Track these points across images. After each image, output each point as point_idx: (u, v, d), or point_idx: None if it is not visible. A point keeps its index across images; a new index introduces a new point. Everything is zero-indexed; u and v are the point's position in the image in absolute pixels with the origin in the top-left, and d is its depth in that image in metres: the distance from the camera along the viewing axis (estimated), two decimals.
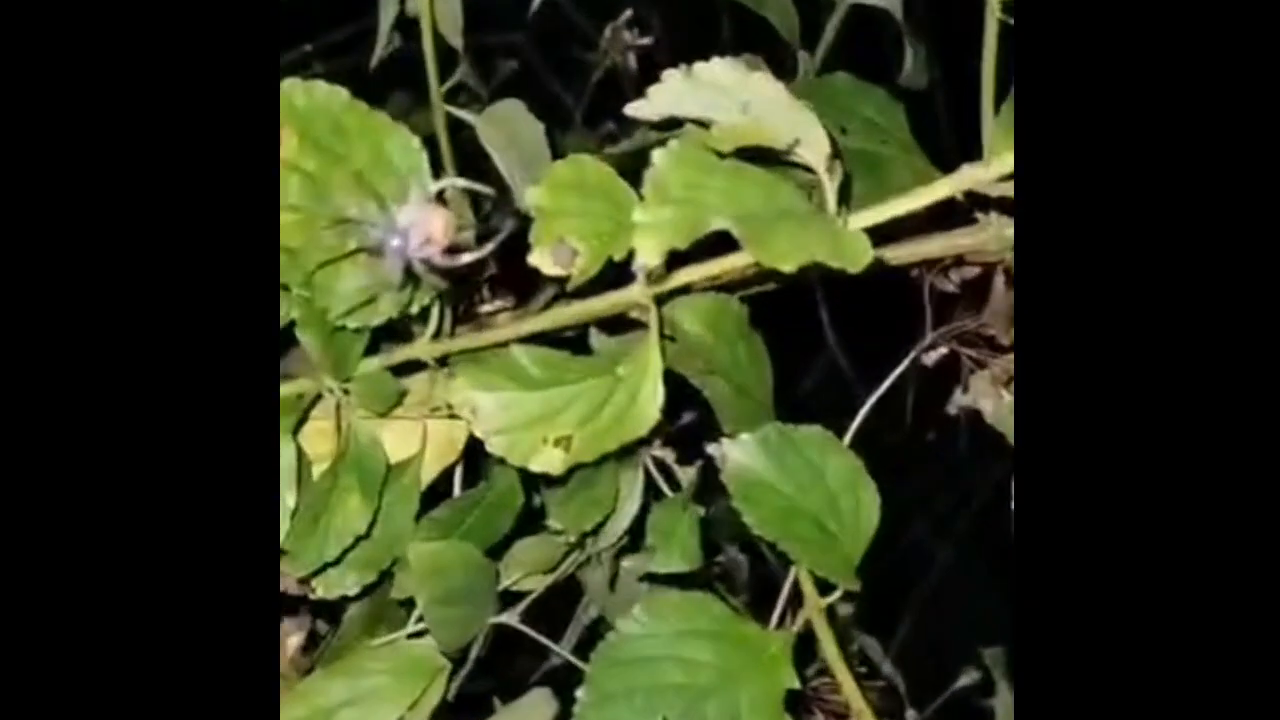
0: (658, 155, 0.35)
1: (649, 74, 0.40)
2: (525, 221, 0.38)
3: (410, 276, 0.33)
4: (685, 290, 0.42)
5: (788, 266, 0.33)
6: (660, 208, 0.34)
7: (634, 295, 0.40)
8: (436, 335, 0.43)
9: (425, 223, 0.33)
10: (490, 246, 0.33)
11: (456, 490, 0.50)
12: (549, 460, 0.40)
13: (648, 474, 0.48)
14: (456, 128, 0.52)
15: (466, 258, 0.33)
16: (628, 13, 0.74)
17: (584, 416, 0.39)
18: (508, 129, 0.49)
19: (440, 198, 0.35)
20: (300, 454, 0.41)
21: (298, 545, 0.41)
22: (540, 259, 0.38)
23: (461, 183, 0.35)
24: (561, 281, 0.39)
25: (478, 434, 0.40)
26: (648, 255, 0.33)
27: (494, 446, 0.39)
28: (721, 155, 0.36)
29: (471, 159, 0.53)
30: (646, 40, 0.73)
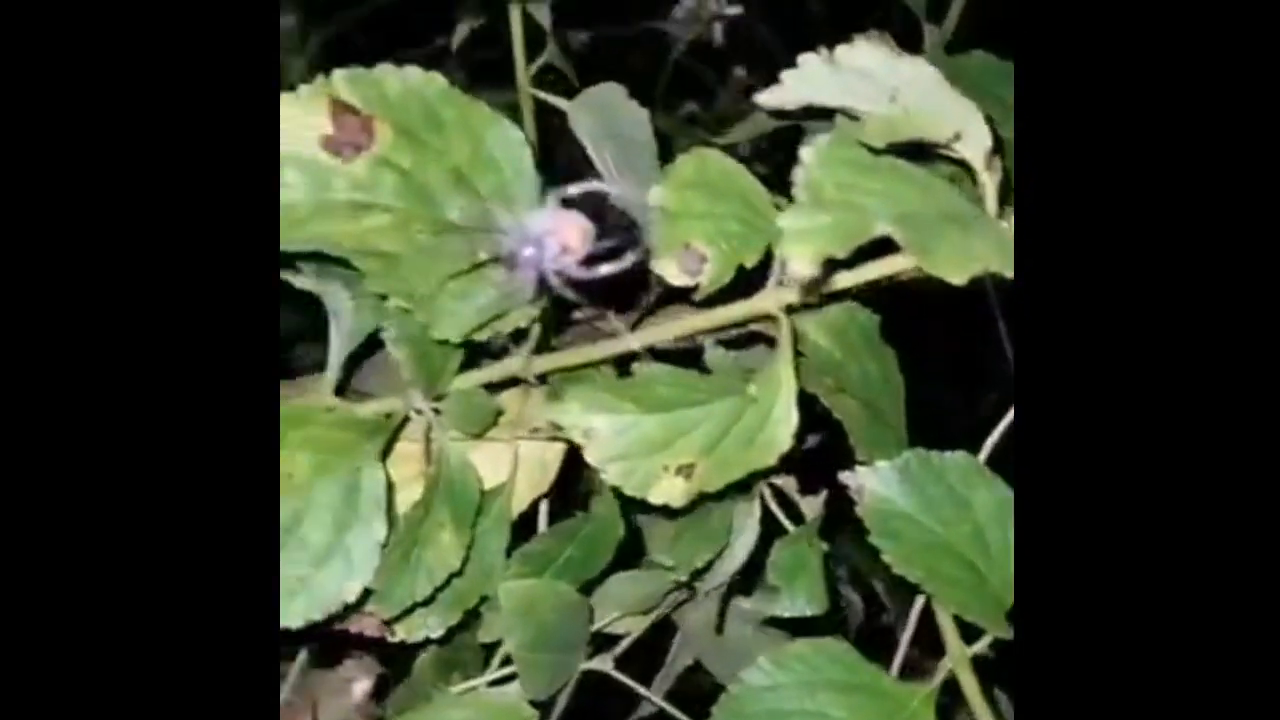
0: (807, 153, 0.36)
1: (739, 49, 0.40)
2: (632, 224, 0.39)
3: (544, 289, 0.34)
4: (821, 302, 0.43)
5: (958, 278, 0.34)
6: (815, 212, 0.35)
7: (764, 304, 0.42)
8: (537, 349, 0.44)
9: (561, 230, 0.34)
10: (631, 257, 0.34)
11: (542, 520, 0.51)
12: (669, 491, 0.41)
13: (764, 505, 0.50)
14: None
15: (605, 269, 0.34)
16: None
17: (710, 442, 0.40)
18: (604, 116, 0.51)
19: (566, 203, 0.36)
20: (389, 482, 0.43)
21: (389, 583, 0.42)
22: (665, 266, 0.39)
23: (600, 186, 0.36)
24: (673, 290, 0.40)
25: (591, 461, 0.40)
26: (802, 265, 0.34)
27: (610, 475, 0.40)
28: (874, 151, 0.37)
29: (550, 149, 0.55)
30: (736, 9, 0.73)
